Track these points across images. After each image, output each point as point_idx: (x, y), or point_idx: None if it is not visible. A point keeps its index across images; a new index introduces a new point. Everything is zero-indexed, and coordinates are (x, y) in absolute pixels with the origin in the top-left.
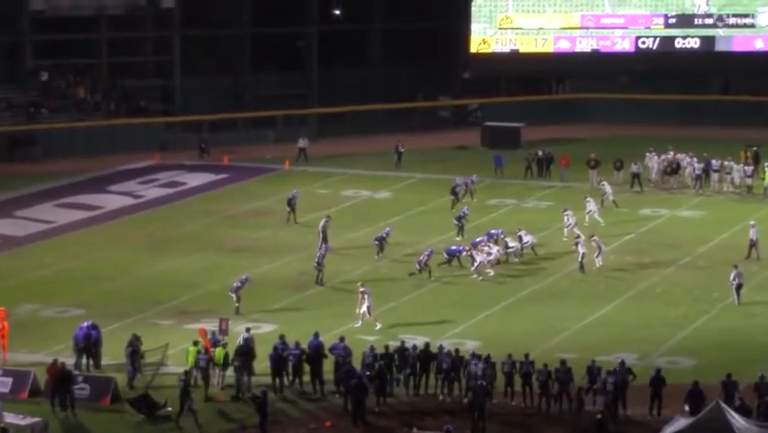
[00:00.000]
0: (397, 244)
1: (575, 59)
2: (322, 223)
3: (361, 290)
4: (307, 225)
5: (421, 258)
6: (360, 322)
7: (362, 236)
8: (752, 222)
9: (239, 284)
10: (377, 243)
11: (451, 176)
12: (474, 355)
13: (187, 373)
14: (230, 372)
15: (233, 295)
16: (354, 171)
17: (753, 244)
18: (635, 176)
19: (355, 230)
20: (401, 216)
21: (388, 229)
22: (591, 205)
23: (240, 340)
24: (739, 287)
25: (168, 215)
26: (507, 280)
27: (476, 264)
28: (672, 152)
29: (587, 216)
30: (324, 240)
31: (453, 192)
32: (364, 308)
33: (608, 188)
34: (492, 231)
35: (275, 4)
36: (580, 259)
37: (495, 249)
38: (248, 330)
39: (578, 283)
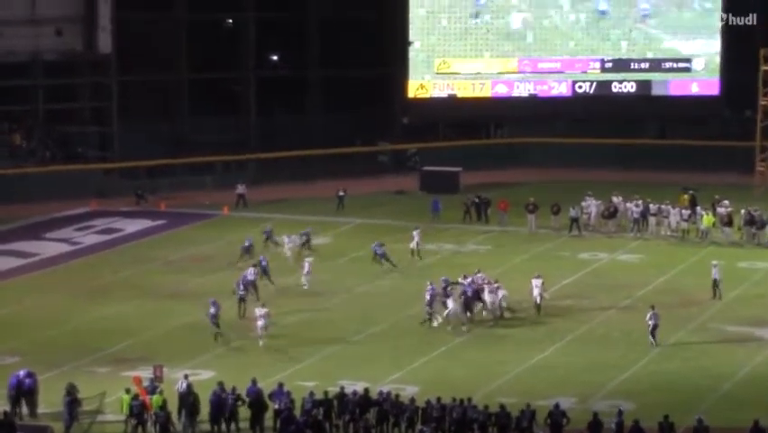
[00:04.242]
0: (335, 291)
1: (513, 104)
2: (251, 272)
3: (260, 313)
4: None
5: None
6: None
7: (298, 282)
8: (714, 262)
9: (214, 310)
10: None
11: (390, 221)
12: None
13: (151, 416)
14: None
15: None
16: (294, 217)
17: (716, 284)
18: (574, 220)
19: (292, 275)
20: (340, 261)
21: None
22: (291, 239)
23: (180, 386)
24: (654, 328)
25: (105, 262)
26: (445, 326)
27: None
28: (619, 197)
29: (287, 247)
30: (254, 287)
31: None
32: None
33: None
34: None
35: (212, 50)
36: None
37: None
38: (186, 377)
39: (518, 327)
